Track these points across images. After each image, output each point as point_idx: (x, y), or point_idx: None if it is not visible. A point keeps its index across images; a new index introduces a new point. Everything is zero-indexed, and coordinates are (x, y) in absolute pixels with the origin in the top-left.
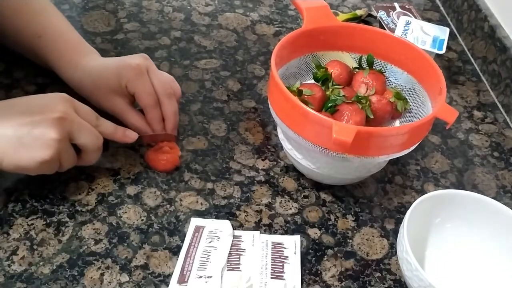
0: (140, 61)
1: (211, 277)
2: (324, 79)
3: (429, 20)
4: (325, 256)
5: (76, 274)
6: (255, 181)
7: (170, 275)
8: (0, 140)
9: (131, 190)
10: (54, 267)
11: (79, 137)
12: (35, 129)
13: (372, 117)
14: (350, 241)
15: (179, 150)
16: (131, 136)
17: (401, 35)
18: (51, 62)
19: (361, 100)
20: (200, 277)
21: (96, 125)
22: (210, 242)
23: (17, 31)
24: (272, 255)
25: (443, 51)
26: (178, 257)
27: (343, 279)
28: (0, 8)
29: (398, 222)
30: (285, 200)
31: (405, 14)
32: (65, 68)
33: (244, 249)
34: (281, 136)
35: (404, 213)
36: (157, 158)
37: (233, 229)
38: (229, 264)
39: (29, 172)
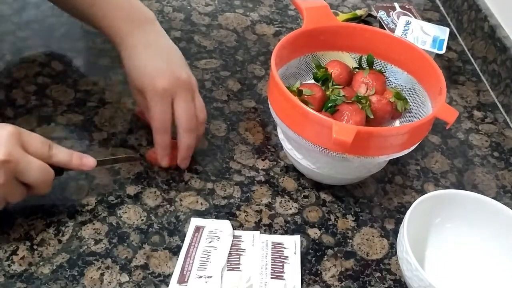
0: (170, 84)
1: (211, 277)
2: (324, 79)
3: (429, 20)
4: (325, 256)
5: (76, 274)
6: (255, 181)
7: (170, 275)
8: None
9: (131, 190)
10: (54, 267)
11: (27, 176)
12: None
13: (372, 117)
14: (350, 241)
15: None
16: (88, 164)
17: (401, 35)
18: (103, 30)
19: (361, 100)
20: (200, 277)
21: (48, 156)
22: (210, 242)
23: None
24: (272, 255)
25: (443, 51)
26: (178, 257)
27: (343, 279)
28: None
29: (398, 222)
30: (285, 200)
31: (405, 14)
32: (114, 40)
33: (244, 249)
34: (281, 136)
35: (404, 213)
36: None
37: (233, 229)
38: (229, 264)
39: None
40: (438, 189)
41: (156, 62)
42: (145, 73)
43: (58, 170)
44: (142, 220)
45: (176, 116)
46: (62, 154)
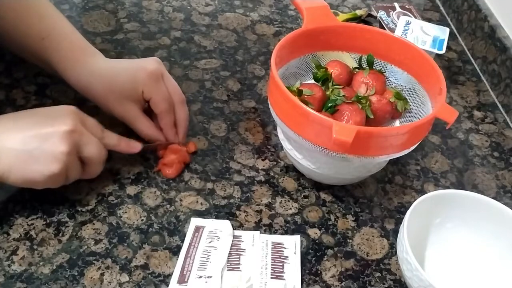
0: (155, 66)
1: (211, 277)
2: (324, 79)
3: (429, 20)
4: (325, 256)
5: (76, 274)
6: (255, 181)
7: (170, 275)
8: (8, 154)
9: (131, 190)
10: (54, 267)
11: (86, 150)
12: (45, 143)
13: (372, 117)
14: (350, 241)
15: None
16: (135, 146)
17: (401, 35)
18: (56, 64)
19: (361, 100)
20: (200, 277)
21: (101, 137)
22: (210, 242)
23: (20, 34)
24: (272, 255)
25: (443, 51)
26: (178, 257)
27: (343, 279)
28: (2, 11)
29: (398, 222)
30: (285, 200)
31: (405, 14)
32: (71, 69)
33: (244, 249)
34: (281, 136)
35: (404, 213)
36: (167, 167)
37: (233, 229)
38: (229, 264)
39: (36, 186)
40: (438, 189)
41: (129, 63)
42: (131, 70)
43: (108, 154)
44: (142, 220)
45: (170, 92)
46: (112, 136)
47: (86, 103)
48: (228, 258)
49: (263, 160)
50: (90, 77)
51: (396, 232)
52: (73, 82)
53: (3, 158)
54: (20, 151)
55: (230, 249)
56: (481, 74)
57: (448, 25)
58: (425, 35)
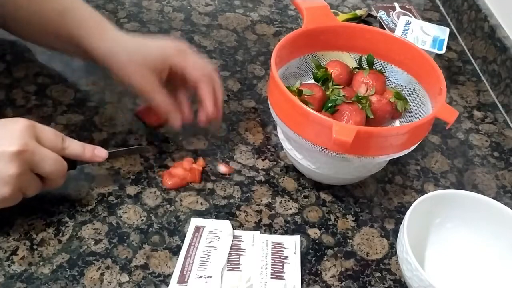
0: (184, 44)
1: (211, 277)
2: (324, 79)
3: (429, 20)
4: (325, 256)
5: (76, 274)
6: (255, 181)
7: (170, 275)
8: None
9: (131, 190)
10: (54, 267)
11: (42, 167)
12: None
13: (372, 117)
14: (350, 241)
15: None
16: (100, 155)
17: (401, 35)
18: (78, 36)
19: (361, 100)
20: (200, 277)
21: (62, 148)
22: (210, 242)
23: (40, 11)
24: (272, 255)
25: (443, 51)
26: (178, 257)
27: (343, 279)
28: None
29: (398, 222)
30: (285, 200)
31: (405, 14)
32: (94, 37)
33: (244, 249)
34: (281, 136)
35: (404, 213)
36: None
37: (233, 229)
38: (229, 264)
39: None
40: (438, 189)
41: (151, 39)
42: (160, 45)
43: (71, 163)
44: (142, 220)
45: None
46: (74, 146)
47: (86, 104)
48: (228, 258)
49: (263, 160)
50: (115, 45)
51: (396, 232)
52: (96, 51)
53: None
54: None
55: (230, 249)
56: (481, 74)
57: (448, 25)
58: (425, 35)
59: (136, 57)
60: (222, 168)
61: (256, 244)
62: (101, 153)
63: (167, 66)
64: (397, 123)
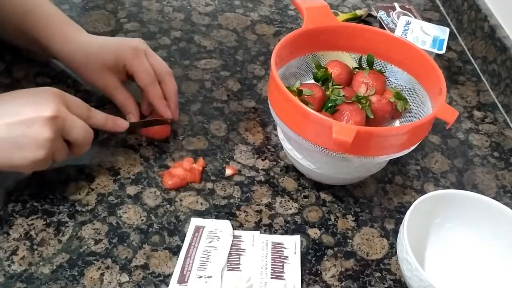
0: (138, 43)
1: (211, 277)
2: (324, 79)
3: (429, 20)
4: (325, 256)
5: (76, 274)
6: (255, 181)
7: (170, 275)
8: None
9: (131, 190)
10: (54, 267)
11: (72, 133)
12: (28, 129)
13: (372, 117)
14: (350, 241)
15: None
16: (121, 125)
17: (401, 35)
18: (41, 36)
19: (361, 100)
20: (200, 277)
21: (87, 117)
22: (210, 242)
23: (3, 10)
24: (272, 255)
25: (443, 51)
26: (178, 257)
27: (343, 279)
28: None
29: (398, 222)
30: (285, 200)
31: (405, 14)
32: (56, 40)
33: (244, 249)
34: (281, 136)
35: (404, 213)
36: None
37: (233, 229)
38: (229, 264)
39: (22, 171)
40: (438, 189)
41: (112, 39)
42: (114, 45)
43: (94, 133)
44: (142, 220)
45: (154, 66)
46: (99, 116)
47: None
48: (228, 258)
49: (263, 160)
50: (75, 49)
51: (396, 232)
52: (56, 53)
53: None
54: (4, 139)
55: (230, 249)
56: (481, 74)
57: (448, 25)
58: (425, 35)
59: (94, 58)
60: (229, 171)
61: (256, 244)
62: (122, 123)
63: (122, 67)
64: (397, 123)
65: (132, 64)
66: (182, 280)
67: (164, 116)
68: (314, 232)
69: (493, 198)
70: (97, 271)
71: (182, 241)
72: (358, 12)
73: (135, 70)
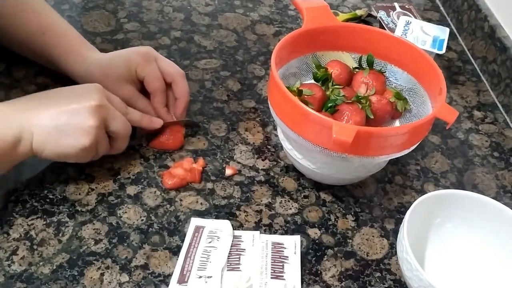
0: (147, 49)
1: (211, 277)
2: (324, 79)
3: (429, 20)
4: (325, 256)
5: (76, 274)
6: (255, 181)
7: (170, 275)
8: (40, 130)
9: (131, 190)
10: (54, 267)
11: (113, 124)
12: (74, 117)
13: (372, 117)
14: (350, 241)
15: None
16: (157, 122)
17: (401, 35)
18: (56, 57)
19: (361, 100)
20: (200, 277)
21: (125, 113)
22: (210, 242)
23: (20, 31)
24: (272, 255)
25: (443, 51)
26: (178, 257)
27: (343, 279)
28: (0, 8)
29: (398, 222)
30: (285, 200)
31: (405, 14)
32: (72, 61)
33: (244, 249)
34: (281, 136)
35: (404, 213)
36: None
37: (233, 229)
38: (229, 264)
39: (69, 159)
40: (438, 189)
41: (122, 51)
42: (124, 56)
43: (132, 131)
44: (142, 220)
45: (166, 69)
46: (135, 112)
47: None
48: (228, 258)
49: (263, 160)
50: (89, 67)
51: (396, 232)
52: (73, 73)
53: (36, 135)
54: (52, 127)
55: (230, 249)
56: (481, 74)
57: (448, 25)
58: (425, 35)
59: (109, 71)
60: (229, 171)
61: (256, 244)
62: (157, 121)
63: (134, 74)
64: (397, 123)
65: (143, 69)
66: (182, 280)
67: (166, 120)
68: (314, 232)
69: (493, 198)
70: (97, 271)
71: (182, 241)
72: (358, 12)
73: (146, 74)
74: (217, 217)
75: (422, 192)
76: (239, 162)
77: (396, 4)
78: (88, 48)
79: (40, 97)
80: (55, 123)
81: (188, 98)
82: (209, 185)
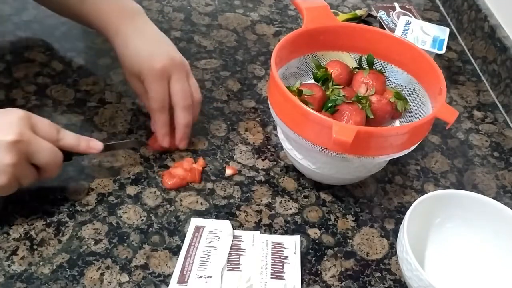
0: (164, 65)
1: (211, 277)
2: (324, 79)
3: (429, 20)
4: (325, 256)
5: (76, 274)
6: (255, 181)
7: (170, 275)
8: None
9: (131, 190)
10: (54, 267)
11: (37, 157)
12: None
13: (372, 117)
14: (350, 241)
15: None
16: (95, 147)
17: (401, 35)
18: (95, 25)
19: (361, 100)
20: (200, 277)
21: (57, 139)
22: (210, 242)
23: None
24: (272, 255)
25: (443, 51)
26: (178, 257)
27: (343, 279)
28: None
29: (398, 222)
30: (285, 200)
31: (405, 14)
32: (106, 31)
33: (244, 249)
34: (281, 136)
35: (404, 213)
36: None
37: (233, 229)
38: (229, 264)
39: None
40: (438, 189)
41: (150, 46)
42: (142, 56)
43: (67, 155)
44: (142, 220)
45: (172, 95)
46: (69, 137)
47: (86, 104)
48: (228, 258)
49: (263, 160)
50: (118, 43)
51: (396, 232)
52: (112, 43)
53: None
54: None
55: (230, 249)
56: (481, 74)
57: (448, 25)
58: (425, 35)
59: (125, 63)
60: (229, 171)
61: (256, 244)
62: (96, 145)
63: (142, 79)
64: (397, 123)
65: (149, 87)
66: (182, 280)
67: (162, 144)
68: (314, 232)
69: (493, 198)
70: (97, 271)
71: (182, 241)
72: (358, 12)
73: (149, 90)
74: (217, 217)
75: (422, 192)
76: (239, 162)
77: (396, 4)
78: (124, 16)
79: None
80: None
81: (184, 130)
82: (209, 185)
